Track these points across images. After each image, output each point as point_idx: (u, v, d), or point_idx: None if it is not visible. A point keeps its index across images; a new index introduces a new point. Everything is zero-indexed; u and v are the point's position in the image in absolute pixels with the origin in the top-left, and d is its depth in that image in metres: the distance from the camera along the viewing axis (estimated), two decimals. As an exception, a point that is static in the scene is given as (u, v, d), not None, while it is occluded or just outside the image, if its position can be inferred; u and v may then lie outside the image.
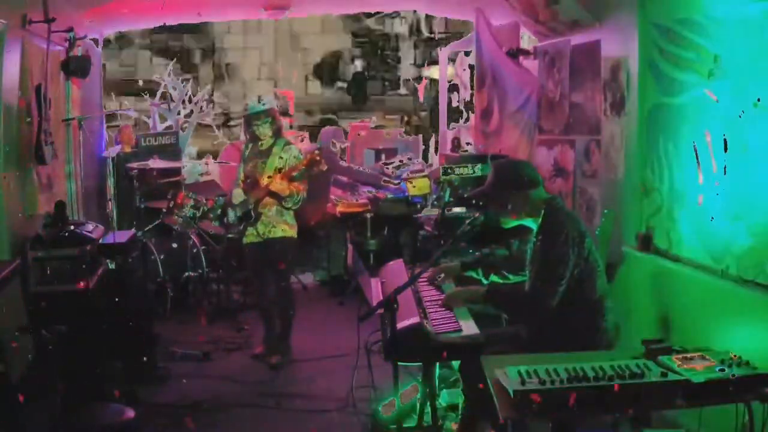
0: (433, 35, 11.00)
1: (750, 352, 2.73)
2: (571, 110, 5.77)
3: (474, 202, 3.82)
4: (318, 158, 5.24)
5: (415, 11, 10.88)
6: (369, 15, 11.27)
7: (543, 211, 3.50)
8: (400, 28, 11.46)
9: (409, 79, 11.35)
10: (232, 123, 10.09)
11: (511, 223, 3.62)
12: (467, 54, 9.23)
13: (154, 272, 6.72)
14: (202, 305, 6.96)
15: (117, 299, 5.04)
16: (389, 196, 7.86)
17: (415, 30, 11.51)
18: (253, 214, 5.41)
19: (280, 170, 5.35)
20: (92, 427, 3.75)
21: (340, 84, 11.41)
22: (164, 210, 6.79)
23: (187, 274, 6.97)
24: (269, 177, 5.34)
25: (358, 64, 11.51)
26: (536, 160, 6.35)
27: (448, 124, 9.46)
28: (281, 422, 4.58)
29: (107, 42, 9.70)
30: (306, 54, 10.81)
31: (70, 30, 5.61)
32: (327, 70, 11.29)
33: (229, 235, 6.54)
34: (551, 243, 3.37)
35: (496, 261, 3.98)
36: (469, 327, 3.45)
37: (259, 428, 4.52)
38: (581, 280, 3.38)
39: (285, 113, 5.14)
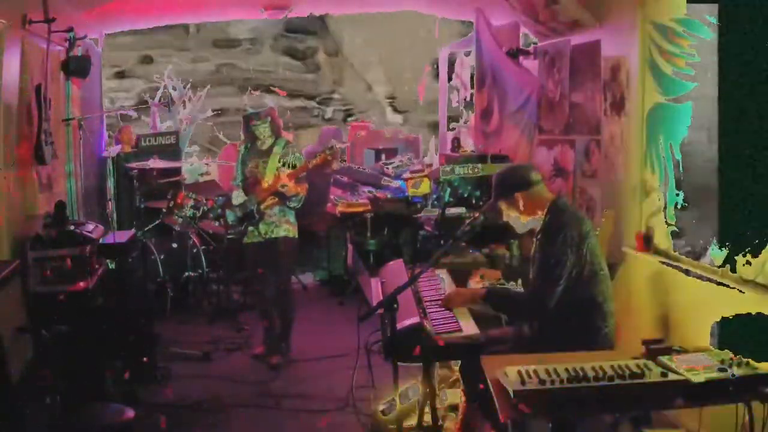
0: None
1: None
2: (571, 110, 5.77)
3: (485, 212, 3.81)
4: (330, 157, 5.27)
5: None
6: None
7: (545, 211, 3.51)
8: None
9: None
10: (350, 119, 10.57)
11: (521, 227, 3.62)
12: (467, 54, 9.22)
13: (154, 272, 6.73)
14: (202, 305, 6.97)
15: (117, 299, 5.03)
16: (389, 196, 7.86)
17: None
18: (256, 214, 5.41)
19: (279, 170, 5.36)
20: (92, 427, 3.74)
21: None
22: (164, 210, 6.79)
23: (187, 274, 6.97)
24: (273, 176, 5.34)
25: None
26: (536, 160, 6.35)
27: (448, 125, 9.47)
28: (281, 422, 4.58)
29: (237, 43, 10.06)
30: (423, 55, 11.03)
31: (70, 30, 5.61)
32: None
33: (230, 235, 6.55)
34: (550, 243, 3.37)
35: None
36: (469, 327, 3.45)
37: (259, 428, 4.52)
38: (580, 282, 3.35)
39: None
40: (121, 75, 9.91)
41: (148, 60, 10.11)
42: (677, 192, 4.27)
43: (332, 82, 10.46)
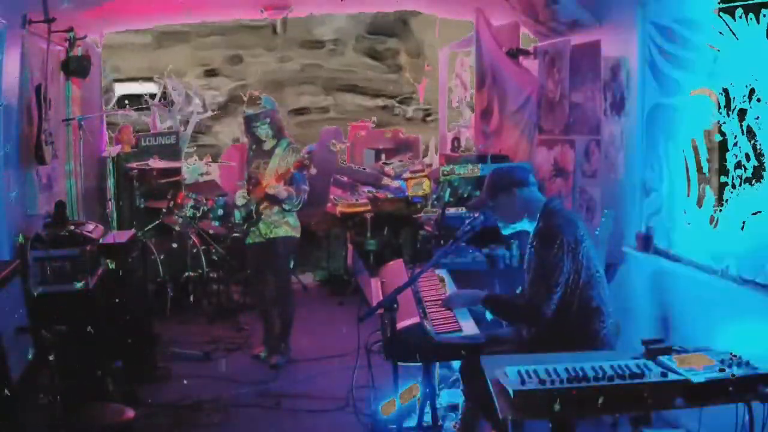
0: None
1: (750, 352, 2.73)
2: (571, 110, 5.77)
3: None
4: (307, 162, 5.31)
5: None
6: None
7: (539, 214, 3.48)
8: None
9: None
10: (429, 119, 10.84)
11: (509, 228, 3.61)
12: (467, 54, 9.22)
13: (154, 272, 6.72)
14: (202, 305, 6.97)
15: (117, 299, 5.03)
16: (389, 196, 7.86)
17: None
18: (254, 215, 5.42)
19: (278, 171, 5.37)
20: (92, 427, 3.74)
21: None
22: (164, 210, 6.79)
23: (187, 274, 6.97)
24: (272, 177, 5.35)
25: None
26: (536, 160, 6.35)
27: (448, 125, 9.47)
28: (281, 422, 4.58)
29: (322, 44, 10.49)
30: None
31: (70, 30, 5.60)
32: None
33: (234, 234, 6.55)
34: (546, 249, 3.33)
35: None
36: (469, 327, 3.45)
37: (259, 428, 4.52)
38: (577, 286, 3.33)
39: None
40: (211, 73, 10.14)
41: (237, 59, 10.33)
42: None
43: (413, 82, 10.72)
